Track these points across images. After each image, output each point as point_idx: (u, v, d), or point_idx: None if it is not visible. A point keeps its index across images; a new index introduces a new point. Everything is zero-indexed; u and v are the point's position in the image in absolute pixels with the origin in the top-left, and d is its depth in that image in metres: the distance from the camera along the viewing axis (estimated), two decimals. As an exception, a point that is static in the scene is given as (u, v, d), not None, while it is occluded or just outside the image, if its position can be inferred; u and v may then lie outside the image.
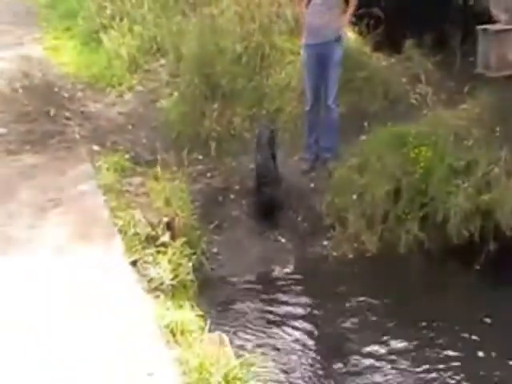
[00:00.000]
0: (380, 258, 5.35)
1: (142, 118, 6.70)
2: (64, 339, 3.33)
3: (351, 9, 5.83)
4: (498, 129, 5.60)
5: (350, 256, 5.43)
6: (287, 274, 5.27)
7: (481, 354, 4.27)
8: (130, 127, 6.55)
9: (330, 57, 5.73)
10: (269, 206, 5.58)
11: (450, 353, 4.31)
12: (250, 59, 6.78)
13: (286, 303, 4.91)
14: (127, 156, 5.79)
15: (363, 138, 6.06)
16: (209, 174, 6.11)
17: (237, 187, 5.94)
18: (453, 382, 4.07)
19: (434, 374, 4.13)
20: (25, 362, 3.18)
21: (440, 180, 5.37)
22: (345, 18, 5.85)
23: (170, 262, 4.27)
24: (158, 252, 4.33)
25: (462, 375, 4.09)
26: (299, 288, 5.11)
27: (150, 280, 4.04)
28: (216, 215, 5.64)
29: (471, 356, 4.25)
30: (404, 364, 4.24)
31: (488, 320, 4.58)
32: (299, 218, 5.64)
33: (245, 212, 5.77)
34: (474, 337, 4.43)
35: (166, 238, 4.53)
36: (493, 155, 5.34)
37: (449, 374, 4.12)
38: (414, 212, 5.37)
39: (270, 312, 4.82)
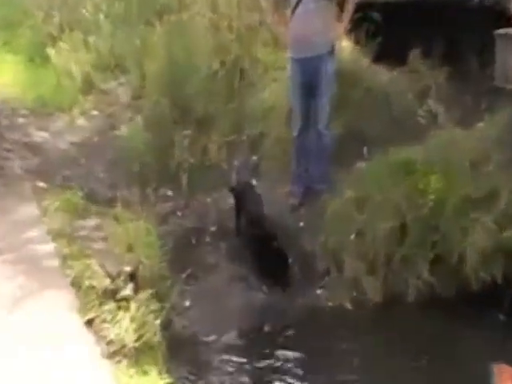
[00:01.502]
0: (384, 308, 5.43)
1: (98, 148, 6.86)
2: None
3: (347, 15, 5.85)
4: (521, 151, 5.74)
5: (349, 306, 5.49)
6: (274, 330, 5.33)
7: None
8: (84, 160, 6.71)
9: (320, 72, 5.86)
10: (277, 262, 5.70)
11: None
12: (227, 76, 6.99)
13: (272, 368, 4.97)
14: (80, 194, 5.87)
15: (362, 165, 6.17)
16: (180, 213, 6.25)
17: (213, 228, 6.07)
18: None
19: None
20: None
21: (454, 214, 5.46)
22: (339, 26, 5.94)
23: (133, 319, 4.33)
24: (119, 308, 4.39)
25: None
26: (289, 348, 5.16)
27: (110, 342, 4.08)
28: (189, 262, 5.74)
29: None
30: None
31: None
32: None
33: (224, 257, 5.90)
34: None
35: (128, 290, 4.59)
36: (516, 183, 5.47)
37: None
38: (423, 252, 5.47)
39: (254, 378, 4.89)
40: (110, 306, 4.35)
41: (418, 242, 5.51)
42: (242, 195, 5.95)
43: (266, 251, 5.60)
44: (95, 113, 7.35)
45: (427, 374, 4.76)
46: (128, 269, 4.75)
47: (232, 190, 6.10)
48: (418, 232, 5.52)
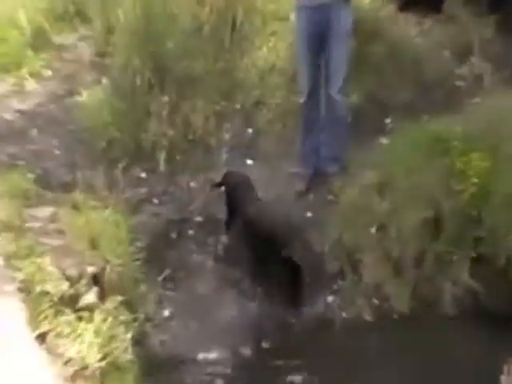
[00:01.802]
0: (412, 320, 5.37)
1: (54, 118, 6.71)
2: None
3: None
4: None
5: (368, 318, 5.47)
6: (274, 348, 5.29)
7: None
8: (35, 132, 6.56)
9: (334, 24, 5.79)
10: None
11: None
12: (215, 30, 6.88)
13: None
14: (31, 176, 5.75)
15: (385, 141, 6.17)
16: (156, 201, 6.18)
17: (198, 219, 6.03)
18: None
19: None
20: None
21: (502, 203, 5.40)
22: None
23: (97, 333, 4.25)
24: (80, 319, 4.29)
25: None
26: (292, 370, 5.10)
27: (68, 362, 4.00)
28: (168, 261, 5.69)
29: None
30: None
31: None
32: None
33: (211, 256, 5.84)
34: None
35: (91, 297, 4.51)
36: None
37: None
38: (462, 251, 5.44)
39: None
40: (69, 316, 4.26)
41: (455, 239, 5.46)
42: (235, 192, 5.82)
43: (266, 255, 5.51)
44: (49, 74, 7.17)
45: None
46: (91, 270, 4.67)
47: (219, 185, 5.99)
48: (456, 225, 5.47)
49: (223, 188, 5.95)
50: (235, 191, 5.83)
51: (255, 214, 5.64)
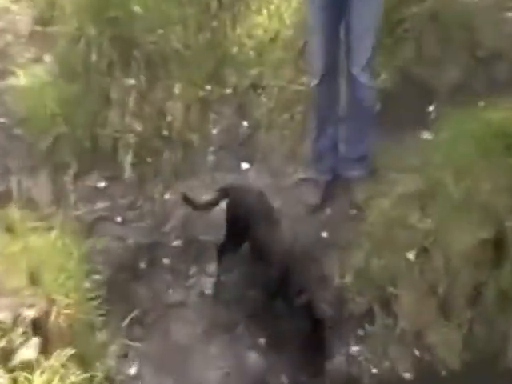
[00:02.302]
0: (467, 378, 5.36)
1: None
2: None
3: None
4: None
5: (406, 375, 5.47)
6: None
7: None
8: None
9: None
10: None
11: None
12: None
13: None
14: None
15: (427, 136, 6.21)
16: (119, 219, 6.22)
17: (175, 242, 6.06)
18: None
19: None
20: None
21: None
22: None
23: None
24: (14, 382, 4.27)
25: None
26: None
27: None
28: (136, 299, 5.73)
29: None
30: None
31: None
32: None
33: (194, 292, 5.86)
34: None
35: (30, 351, 4.47)
36: None
37: None
38: None
39: None
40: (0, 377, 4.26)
41: None
42: (245, 210, 5.78)
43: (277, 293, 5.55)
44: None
45: None
46: (30, 314, 4.62)
47: (213, 203, 5.93)
48: None
49: (226, 205, 5.89)
50: (245, 209, 5.79)
51: (273, 238, 5.63)
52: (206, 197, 6.03)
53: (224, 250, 5.88)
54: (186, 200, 5.94)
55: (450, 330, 5.49)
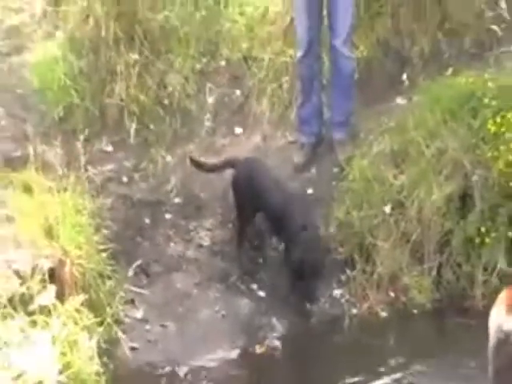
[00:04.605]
0: (437, 316, 5.46)
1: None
2: None
3: None
4: None
5: (383, 314, 5.54)
6: (270, 355, 5.32)
7: None
8: None
9: None
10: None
11: None
12: None
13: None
14: None
15: (401, 101, 6.18)
16: (125, 179, 6.25)
17: (176, 200, 6.11)
18: None
19: None
20: None
21: None
22: None
23: (55, 340, 4.28)
24: (34, 324, 4.34)
25: None
26: (291, 379, 5.19)
27: (19, 376, 4.02)
28: (141, 252, 5.77)
29: None
30: None
31: None
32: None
33: (193, 246, 5.89)
34: None
35: (47, 297, 4.54)
36: None
37: None
38: (496, 232, 5.46)
39: None
40: (19, 321, 4.31)
41: (488, 216, 5.51)
42: (257, 181, 5.77)
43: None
44: (-10, 26, 7.17)
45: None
46: (47, 264, 4.71)
47: (221, 166, 5.96)
48: (489, 200, 5.51)
49: (233, 176, 5.87)
50: (255, 180, 5.76)
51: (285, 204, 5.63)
52: (210, 160, 6.08)
53: (242, 221, 5.81)
54: (193, 161, 6.02)
55: (422, 274, 5.56)
